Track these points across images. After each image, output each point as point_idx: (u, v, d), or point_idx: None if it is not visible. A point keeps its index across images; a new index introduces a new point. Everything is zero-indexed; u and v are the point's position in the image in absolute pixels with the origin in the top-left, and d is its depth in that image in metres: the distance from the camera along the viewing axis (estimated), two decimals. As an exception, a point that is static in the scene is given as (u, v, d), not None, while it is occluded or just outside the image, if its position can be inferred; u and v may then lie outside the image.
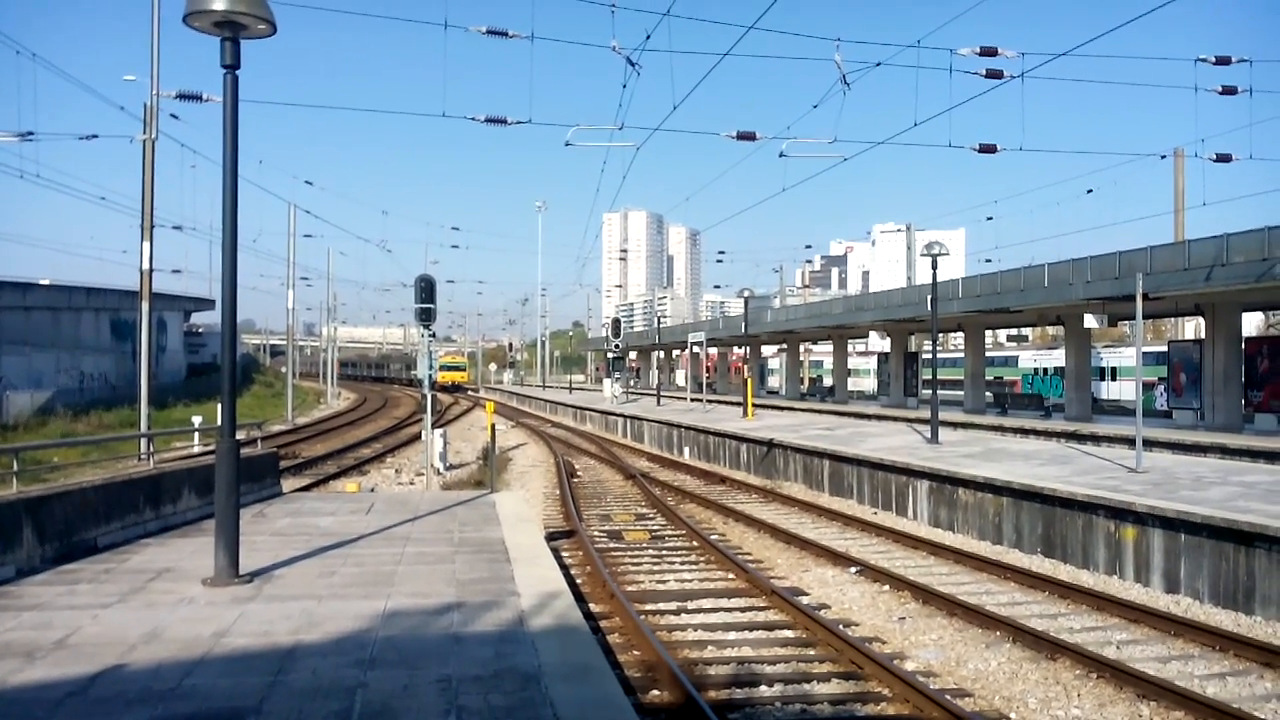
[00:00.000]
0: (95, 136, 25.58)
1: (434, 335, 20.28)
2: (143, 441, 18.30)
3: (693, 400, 44.69)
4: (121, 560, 9.67)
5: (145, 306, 22.57)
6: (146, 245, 22.46)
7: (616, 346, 49.85)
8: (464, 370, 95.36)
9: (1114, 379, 52.39)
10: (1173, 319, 58.54)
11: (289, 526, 12.00)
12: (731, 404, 44.58)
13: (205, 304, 68.14)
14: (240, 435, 9.12)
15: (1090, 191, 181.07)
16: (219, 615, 7.44)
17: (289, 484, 19.33)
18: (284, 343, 71.15)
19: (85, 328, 49.53)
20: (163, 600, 7.95)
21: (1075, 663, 8.85)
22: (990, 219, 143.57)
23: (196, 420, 29.31)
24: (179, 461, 15.29)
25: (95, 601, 7.89)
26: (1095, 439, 25.76)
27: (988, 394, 41.33)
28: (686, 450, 29.87)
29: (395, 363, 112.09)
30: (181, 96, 22.37)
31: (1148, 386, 39.52)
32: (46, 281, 47.33)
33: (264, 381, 76.49)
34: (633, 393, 61.29)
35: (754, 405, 34.66)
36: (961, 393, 42.38)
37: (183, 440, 28.92)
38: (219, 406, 12.97)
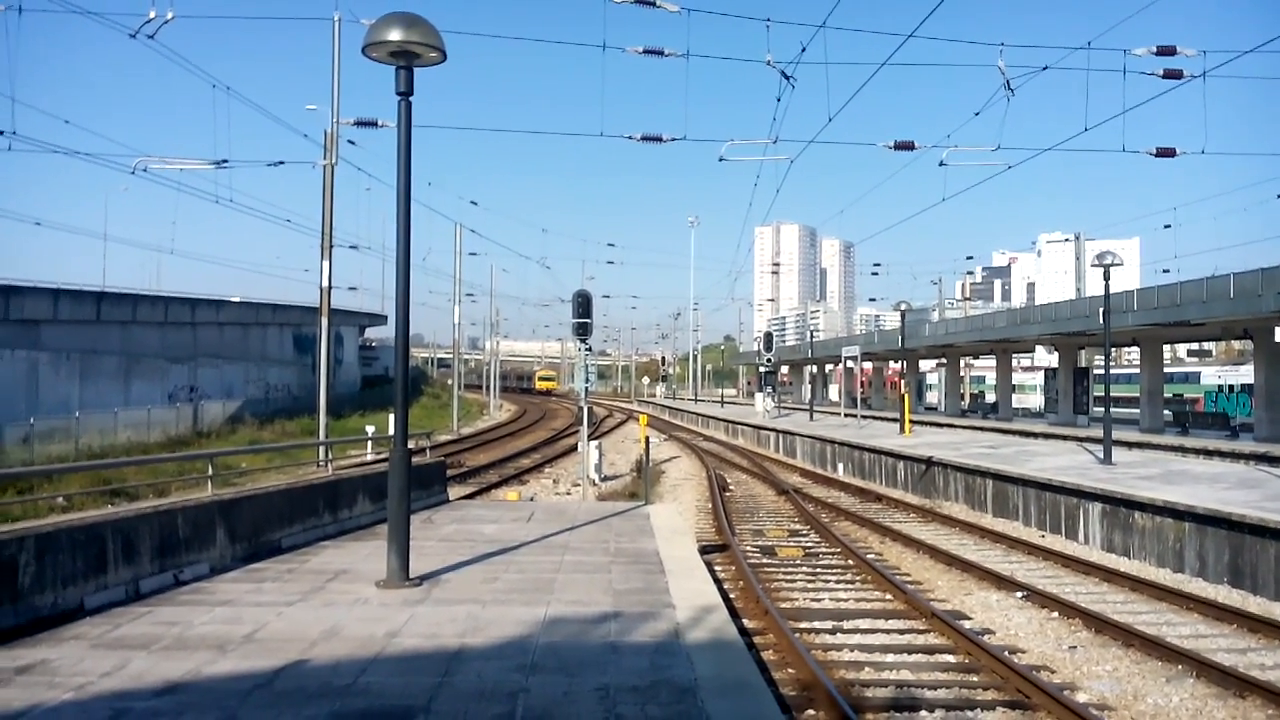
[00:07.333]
0: (281, 163, 27.41)
1: (590, 349, 20.59)
2: (321, 449, 19.46)
3: (846, 415, 43.89)
4: (302, 561, 10.30)
5: (324, 322, 23.96)
6: (326, 264, 23.85)
7: (768, 360, 49.44)
8: (554, 380, 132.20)
9: (1312, 397, 48.43)
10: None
11: (455, 533, 12.50)
12: (887, 420, 43.51)
13: (378, 319, 71.74)
14: (410, 445, 9.54)
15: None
16: (391, 616, 7.82)
17: (454, 491, 20.08)
18: (450, 356, 74.04)
19: (271, 341, 53.11)
20: (340, 600, 8.43)
21: (1268, 702, 8.22)
22: (1168, 227, 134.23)
23: (370, 430, 30.80)
24: (354, 469, 16.16)
25: (280, 599, 8.43)
26: (1290, 462, 23.85)
27: (1166, 412, 38.94)
28: (840, 466, 29.36)
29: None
30: (359, 123, 23.73)
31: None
32: (237, 299, 51.10)
33: (431, 393, 79.57)
34: (785, 408, 60.69)
35: (911, 421, 33.75)
36: (1136, 411, 40.10)
37: (357, 448, 30.48)
38: (391, 416, 13.59)
